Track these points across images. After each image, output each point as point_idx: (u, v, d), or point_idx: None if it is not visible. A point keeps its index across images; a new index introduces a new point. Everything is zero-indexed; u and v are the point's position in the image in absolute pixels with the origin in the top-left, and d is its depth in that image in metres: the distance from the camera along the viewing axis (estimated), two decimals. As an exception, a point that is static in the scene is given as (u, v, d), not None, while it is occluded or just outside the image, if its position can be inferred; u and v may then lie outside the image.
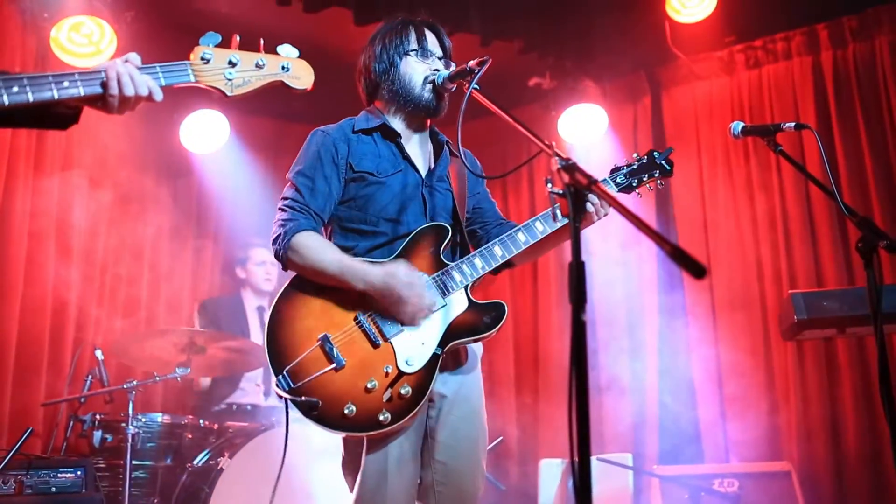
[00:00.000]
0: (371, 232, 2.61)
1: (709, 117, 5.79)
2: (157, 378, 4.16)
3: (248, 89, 1.99)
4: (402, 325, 2.48)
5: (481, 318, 2.55)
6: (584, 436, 1.56)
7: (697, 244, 5.62)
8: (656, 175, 2.82)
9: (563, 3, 5.39)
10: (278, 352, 2.44)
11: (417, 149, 2.76)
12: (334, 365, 2.42)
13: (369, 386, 2.42)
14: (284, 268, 2.58)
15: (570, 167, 1.77)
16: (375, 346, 2.46)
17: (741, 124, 3.09)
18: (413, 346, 2.48)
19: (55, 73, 1.74)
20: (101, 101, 1.82)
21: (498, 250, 2.58)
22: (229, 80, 1.95)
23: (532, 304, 6.43)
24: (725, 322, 5.47)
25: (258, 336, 5.28)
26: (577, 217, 1.72)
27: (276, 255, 2.56)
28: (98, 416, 4.20)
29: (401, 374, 2.44)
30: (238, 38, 1.97)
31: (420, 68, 2.70)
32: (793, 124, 2.99)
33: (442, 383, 2.59)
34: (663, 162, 2.83)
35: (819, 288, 4.99)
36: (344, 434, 2.46)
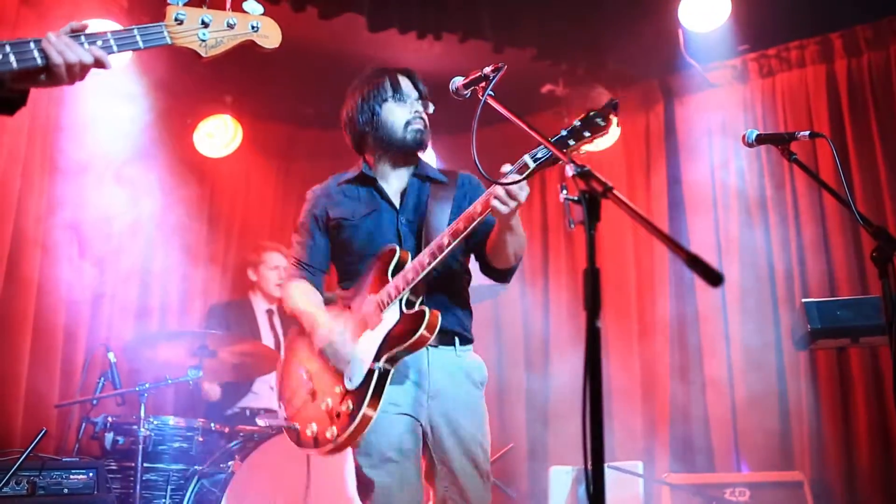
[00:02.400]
0: (357, 271, 2.87)
1: (721, 125, 5.77)
2: (170, 381, 4.17)
3: (221, 50, 1.99)
4: (354, 349, 2.70)
5: (406, 327, 2.62)
6: (598, 443, 1.56)
7: (710, 253, 5.60)
8: (587, 135, 2.54)
9: (575, 11, 5.39)
10: (282, 387, 2.90)
11: (398, 186, 2.95)
12: (305, 392, 2.78)
13: (323, 406, 2.69)
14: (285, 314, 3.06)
15: (585, 174, 1.78)
16: (333, 370, 2.72)
17: (756, 132, 3.09)
18: (356, 366, 2.67)
19: None
20: (45, 74, 1.80)
21: (425, 257, 2.62)
22: (203, 41, 1.95)
23: (542, 310, 6.42)
24: (737, 330, 5.45)
25: (269, 339, 5.30)
26: (593, 224, 1.72)
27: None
28: (110, 419, 4.21)
29: (346, 391, 2.64)
30: None
31: (400, 112, 2.89)
32: (807, 133, 2.99)
33: (431, 411, 2.76)
34: (598, 119, 2.50)
35: (832, 297, 4.96)
36: (315, 453, 2.74)
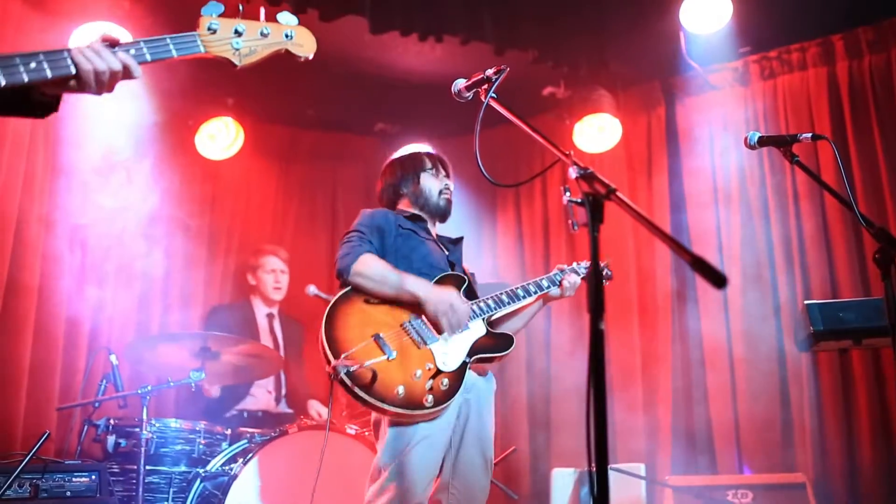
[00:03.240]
0: (414, 272, 3.19)
1: (723, 127, 5.77)
2: (172, 383, 4.18)
3: (256, 59, 2.00)
4: (439, 336, 3.06)
5: (496, 342, 3.22)
6: (602, 445, 1.56)
7: (711, 254, 5.60)
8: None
9: (577, 13, 5.39)
10: (336, 340, 2.93)
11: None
12: (387, 355, 2.93)
13: (415, 375, 2.94)
14: (345, 281, 3.09)
15: (588, 176, 1.78)
16: (419, 347, 3.02)
17: (758, 134, 3.10)
18: (449, 352, 3.07)
19: (22, 55, 1.73)
20: (75, 81, 1.82)
21: (505, 298, 3.29)
22: (237, 49, 1.96)
23: (544, 313, 6.41)
24: (740, 333, 5.45)
25: (268, 342, 5.30)
26: (596, 226, 1.73)
27: (341, 271, 3.10)
28: (112, 421, 4.21)
29: (439, 371, 3.00)
30: (241, 8, 1.99)
31: (435, 183, 3.48)
32: (809, 135, 2.99)
33: (465, 404, 3.17)
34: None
35: (834, 299, 4.96)
36: (393, 410, 2.88)
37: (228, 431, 4.45)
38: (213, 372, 4.50)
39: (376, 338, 2.97)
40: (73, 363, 5.15)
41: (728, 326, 5.52)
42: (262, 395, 5.17)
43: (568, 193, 1.96)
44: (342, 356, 2.88)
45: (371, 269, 3.08)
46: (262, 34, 2.00)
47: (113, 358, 4.31)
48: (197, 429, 4.39)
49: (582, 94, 5.86)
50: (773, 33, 5.50)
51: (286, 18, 2.06)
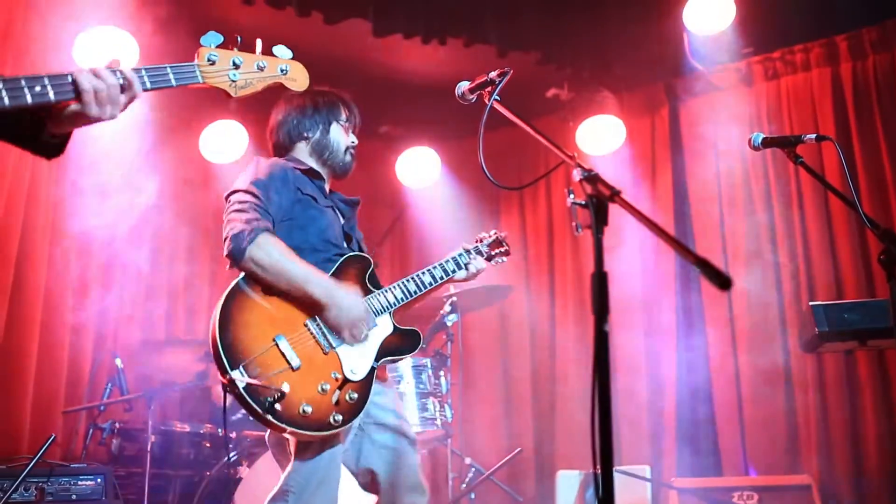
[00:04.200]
0: (310, 251, 2.81)
1: (727, 129, 5.76)
2: (177, 387, 4.18)
3: (251, 91, 2.06)
4: (343, 338, 2.72)
5: (404, 340, 2.89)
6: (607, 447, 1.56)
7: (716, 256, 5.59)
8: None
9: (580, 14, 5.40)
10: (232, 347, 2.52)
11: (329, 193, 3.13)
12: (290, 365, 2.58)
13: (321, 388, 2.60)
14: (238, 264, 2.66)
15: (592, 178, 1.78)
16: (325, 352, 2.67)
17: (762, 135, 3.09)
18: (355, 358, 2.72)
19: (28, 77, 1.75)
20: (79, 104, 1.83)
21: (411, 286, 2.95)
22: (233, 81, 2.02)
23: (549, 316, 6.42)
24: (744, 334, 5.44)
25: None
26: (600, 228, 1.73)
27: (233, 253, 2.65)
28: (117, 425, 4.23)
29: (346, 380, 2.66)
30: (239, 40, 2.05)
31: (344, 138, 3.11)
32: (814, 136, 2.98)
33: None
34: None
35: (839, 300, 4.95)
36: (297, 432, 2.56)
37: (233, 434, 4.46)
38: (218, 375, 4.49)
39: (277, 341, 2.59)
40: (78, 367, 5.16)
41: (733, 328, 5.51)
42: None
43: (572, 196, 1.95)
44: (240, 366, 2.49)
45: (270, 257, 2.63)
46: (258, 67, 2.07)
47: (118, 362, 4.33)
48: (202, 432, 4.40)
49: (585, 95, 5.87)
50: (777, 34, 5.50)
51: (282, 52, 2.14)
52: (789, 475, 4.75)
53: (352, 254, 2.92)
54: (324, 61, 5.73)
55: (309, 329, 2.67)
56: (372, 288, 2.89)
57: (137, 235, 5.62)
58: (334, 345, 2.68)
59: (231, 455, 4.21)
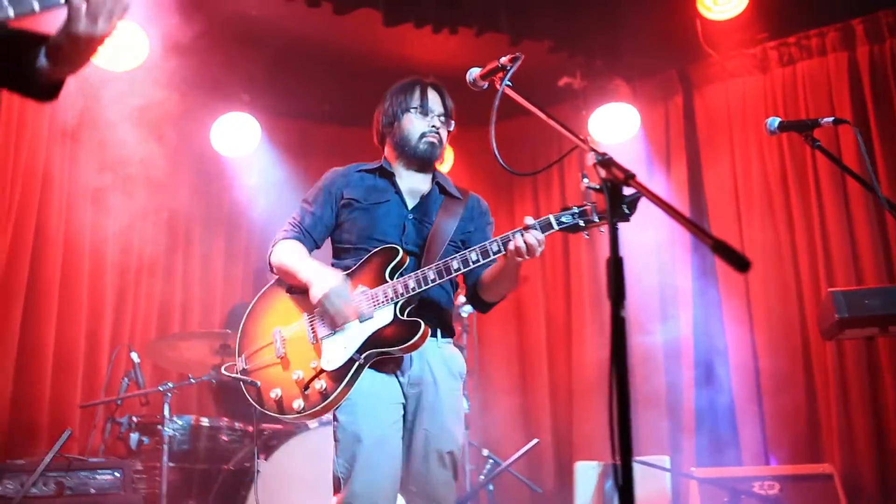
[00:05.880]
0: (354, 250, 2.95)
1: (742, 115, 5.71)
2: (193, 380, 4.19)
3: None
4: (333, 329, 2.78)
5: (399, 333, 2.76)
6: (626, 436, 1.53)
7: (732, 242, 5.53)
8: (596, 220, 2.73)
9: (592, 2, 5.35)
10: (244, 337, 2.93)
11: (412, 187, 3.07)
12: (275, 354, 2.84)
13: (294, 377, 2.78)
14: (269, 269, 3.00)
15: (606, 162, 1.75)
16: (310, 343, 2.81)
17: (778, 120, 3.06)
18: (336, 348, 2.78)
19: None
20: (70, 27, 1.73)
21: (431, 274, 2.77)
22: None
23: (565, 306, 6.39)
24: (763, 322, 5.39)
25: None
26: (615, 212, 1.70)
27: (267, 258, 3.00)
28: (134, 419, 4.24)
29: (322, 370, 2.75)
30: None
31: (419, 124, 3.03)
32: (831, 119, 2.95)
33: (413, 399, 2.83)
34: (624, 206, 2.54)
35: (858, 286, 4.90)
36: (268, 414, 2.81)
37: (250, 428, 4.46)
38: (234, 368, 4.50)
39: (275, 332, 2.87)
40: (95, 361, 5.19)
41: (750, 315, 5.46)
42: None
43: (586, 179, 1.93)
44: (244, 354, 2.88)
45: (277, 258, 2.94)
46: None
47: (134, 355, 4.34)
48: (219, 425, 4.40)
49: (598, 83, 5.82)
50: (792, 19, 5.42)
51: None
52: (811, 464, 4.70)
53: (382, 247, 2.88)
54: (334, 52, 5.74)
55: (303, 321, 2.85)
56: (388, 279, 2.82)
57: (151, 229, 5.64)
58: (320, 336, 2.79)
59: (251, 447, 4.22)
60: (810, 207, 5.32)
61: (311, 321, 2.83)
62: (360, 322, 2.77)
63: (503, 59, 2.44)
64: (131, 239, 5.53)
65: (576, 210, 2.72)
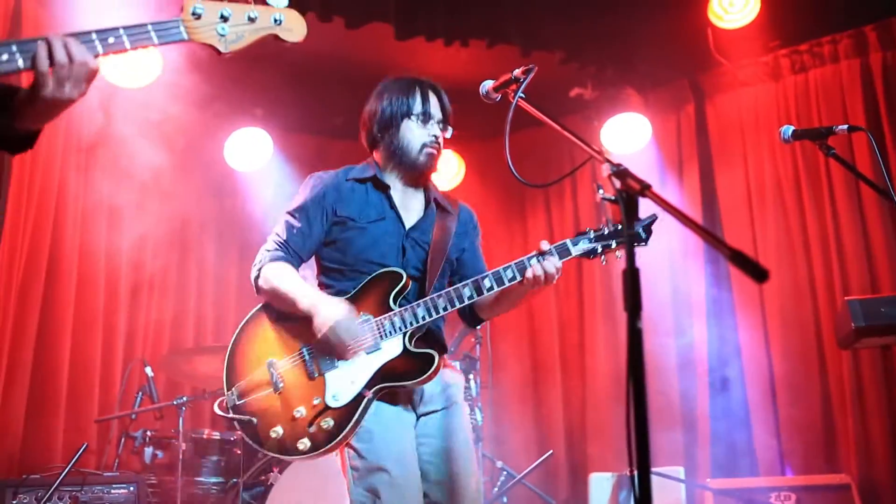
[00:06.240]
0: (349, 272, 2.75)
1: (755, 124, 5.69)
2: (207, 394, 4.19)
3: (243, 45, 1.88)
4: (337, 361, 2.60)
5: (411, 366, 2.61)
6: (644, 447, 1.53)
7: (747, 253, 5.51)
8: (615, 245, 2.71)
9: (603, 13, 5.35)
10: (232, 369, 2.69)
11: (408, 202, 2.88)
12: (272, 389, 2.61)
13: (296, 414, 2.57)
14: (257, 292, 2.77)
15: (621, 173, 1.75)
16: (311, 377, 2.61)
17: (792, 128, 3.05)
18: (342, 383, 2.59)
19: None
20: (37, 91, 1.69)
21: (441, 302, 2.64)
22: (222, 35, 1.85)
23: (578, 316, 6.37)
24: (777, 331, 5.36)
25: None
26: (631, 223, 1.69)
27: (252, 280, 2.78)
28: (149, 433, 4.25)
29: (326, 407, 2.56)
30: None
31: (419, 133, 2.81)
32: (846, 126, 2.94)
33: (423, 425, 2.71)
34: (640, 230, 2.66)
35: (874, 294, 4.86)
36: (269, 454, 2.64)
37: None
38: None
39: (269, 365, 2.64)
40: (109, 376, 5.21)
41: (765, 324, 5.43)
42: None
43: (601, 191, 1.92)
44: (233, 387, 2.64)
45: (267, 283, 2.69)
46: (249, 18, 1.88)
47: (148, 370, 4.35)
48: (233, 439, 4.40)
49: (609, 94, 5.81)
50: (804, 26, 5.41)
51: (276, 1, 1.93)
52: (827, 474, 4.66)
53: (382, 271, 2.71)
54: (346, 65, 5.76)
55: (302, 354, 2.64)
56: (393, 307, 2.66)
57: (164, 245, 5.66)
58: (323, 370, 2.60)
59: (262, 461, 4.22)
60: (824, 215, 5.29)
61: (311, 353, 2.63)
62: (367, 354, 2.61)
63: (517, 72, 2.44)
64: (145, 253, 5.56)
65: (592, 234, 2.67)
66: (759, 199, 5.60)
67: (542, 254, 2.60)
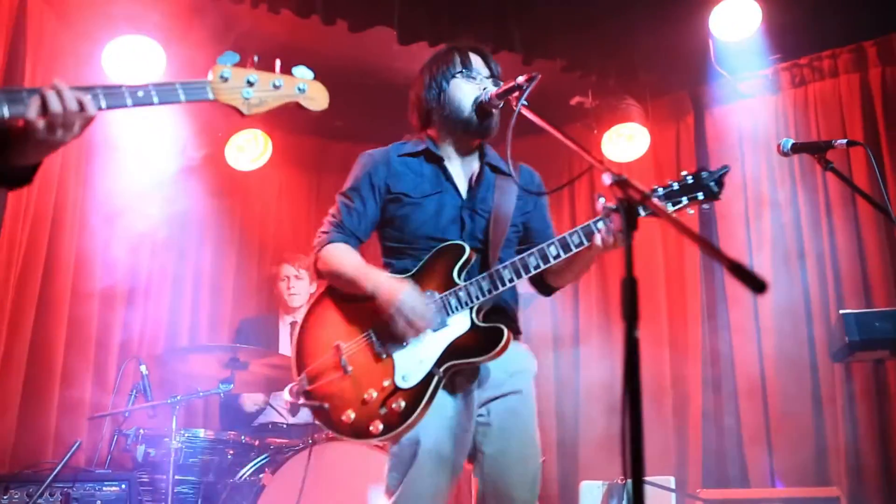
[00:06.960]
0: (410, 250, 2.71)
1: (753, 136, 5.71)
2: (201, 393, 4.19)
3: (265, 109, 2.00)
4: (404, 341, 2.56)
5: (479, 341, 2.56)
6: (638, 456, 1.53)
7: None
8: (699, 197, 2.60)
9: (605, 22, 5.37)
10: (301, 355, 2.66)
11: (464, 171, 2.82)
12: (341, 372, 2.58)
13: (366, 396, 2.54)
14: (318, 276, 2.77)
15: (622, 182, 1.76)
16: (379, 358, 2.58)
17: (791, 141, 3.07)
18: (411, 363, 2.55)
19: None
20: (37, 131, 1.75)
21: (507, 273, 2.58)
22: (246, 99, 1.96)
23: (572, 324, 6.37)
24: (771, 343, 5.37)
25: (288, 352, 5.29)
26: (631, 233, 1.70)
27: (312, 265, 2.78)
28: (142, 431, 4.23)
29: (397, 388, 2.52)
30: (256, 59, 2.00)
31: (468, 89, 2.73)
32: (845, 141, 2.96)
33: (486, 411, 2.66)
34: (711, 183, 2.60)
35: (868, 308, 4.88)
36: (340, 437, 2.58)
37: (256, 442, 4.46)
38: (242, 382, 4.50)
39: (336, 349, 2.62)
40: (103, 373, 5.20)
41: (759, 337, 5.45)
42: (282, 407, 5.16)
43: (602, 200, 1.93)
44: (302, 374, 2.61)
45: (327, 265, 2.69)
46: (273, 86, 1.99)
47: (143, 368, 4.34)
48: (225, 439, 4.40)
49: (610, 103, 5.83)
50: (804, 40, 5.44)
51: (301, 73, 2.04)
52: (817, 487, 4.67)
53: (443, 245, 2.66)
54: (349, 69, 5.76)
55: (368, 335, 2.61)
56: (457, 281, 2.61)
57: (161, 243, 5.66)
58: (390, 351, 2.56)
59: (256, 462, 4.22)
60: (820, 228, 5.31)
61: (378, 333, 2.60)
62: (434, 332, 2.56)
63: (520, 79, 2.46)
64: (142, 251, 5.55)
65: (661, 191, 2.60)
66: (756, 212, 5.61)
67: (607, 215, 2.47)
